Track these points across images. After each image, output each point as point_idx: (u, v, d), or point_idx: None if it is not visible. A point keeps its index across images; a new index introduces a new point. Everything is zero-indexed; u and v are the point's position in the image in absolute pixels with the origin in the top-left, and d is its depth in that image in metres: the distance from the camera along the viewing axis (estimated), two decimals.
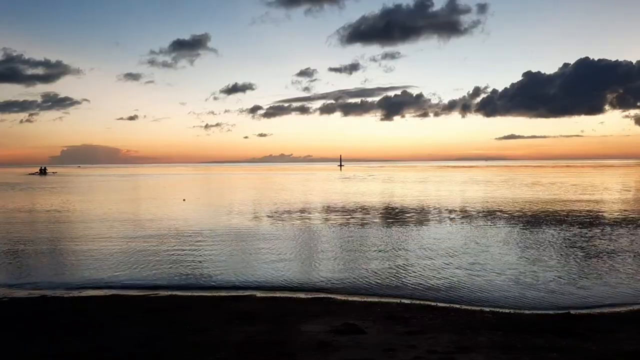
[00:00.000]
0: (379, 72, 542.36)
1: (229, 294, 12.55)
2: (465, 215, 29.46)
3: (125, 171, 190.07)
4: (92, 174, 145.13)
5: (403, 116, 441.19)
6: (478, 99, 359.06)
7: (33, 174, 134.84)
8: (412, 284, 13.50)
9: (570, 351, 7.78)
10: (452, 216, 28.96)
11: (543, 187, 56.65)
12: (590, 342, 8.27)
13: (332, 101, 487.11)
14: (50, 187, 68.94)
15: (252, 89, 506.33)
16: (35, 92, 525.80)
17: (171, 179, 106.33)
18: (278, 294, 12.59)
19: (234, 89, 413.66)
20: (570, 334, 8.77)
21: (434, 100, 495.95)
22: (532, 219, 27.02)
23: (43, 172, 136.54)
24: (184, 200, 44.02)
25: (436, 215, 29.73)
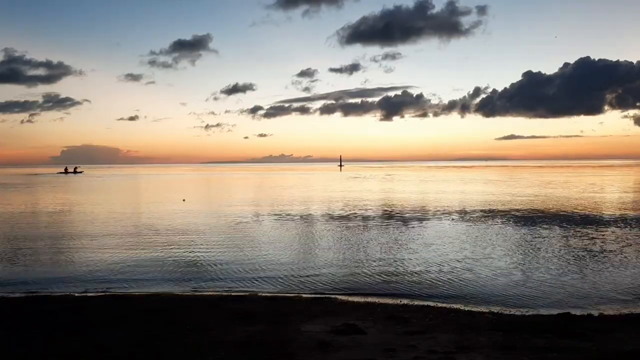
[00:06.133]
0: (379, 73, 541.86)
1: (229, 294, 12.54)
2: (468, 215, 29.46)
3: (128, 171, 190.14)
4: (96, 175, 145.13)
5: (402, 116, 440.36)
6: (478, 99, 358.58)
7: (60, 173, 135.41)
8: (412, 284, 13.51)
9: (570, 351, 7.78)
10: (454, 216, 28.95)
11: (557, 185, 56.69)
12: (590, 342, 8.27)
13: (333, 101, 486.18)
14: (53, 187, 69.00)
15: (253, 90, 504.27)
16: (36, 92, 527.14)
17: (171, 179, 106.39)
18: (278, 294, 12.59)
19: (234, 90, 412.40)
20: (570, 334, 8.77)
21: (434, 101, 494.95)
22: (536, 219, 27.01)
23: (73, 171, 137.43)
24: (184, 200, 44.04)
25: (439, 215, 29.72)
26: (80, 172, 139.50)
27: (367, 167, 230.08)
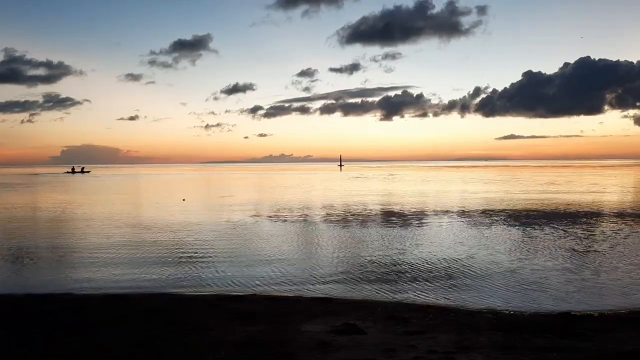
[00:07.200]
0: (380, 73, 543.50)
1: (229, 294, 12.55)
2: (470, 215, 29.45)
3: (128, 171, 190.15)
4: (97, 174, 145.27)
5: (402, 116, 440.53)
6: (478, 99, 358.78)
7: (68, 172, 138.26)
8: (412, 284, 13.50)
9: (570, 351, 7.78)
10: (456, 216, 28.95)
11: (559, 185, 56.66)
12: (590, 342, 8.27)
13: (333, 101, 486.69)
14: (53, 186, 69.00)
15: (253, 89, 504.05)
16: (36, 92, 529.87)
17: (171, 178, 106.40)
18: (278, 294, 12.59)
19: (234, 89, 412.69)
20: (570, 334, 8.77)
21: (434, 101, 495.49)
22: (537, 218, 26.99)
23: (80, 171, 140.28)
24: (183, 200, 44.04)
25: (441, 215, 29.72)
26: (87, 172, 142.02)
27: (367, 167, 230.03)
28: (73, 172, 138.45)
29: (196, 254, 17.94)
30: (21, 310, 10.92)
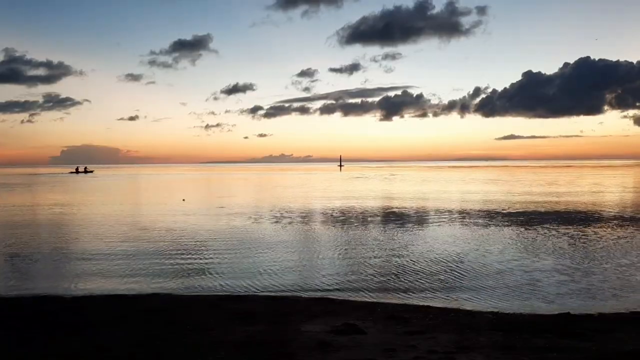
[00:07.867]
0: (380, 73, 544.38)
1: (229, 294, 12.55)
2: (470, 215, 29.45)
3: (128, 171, 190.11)
4: (99, 175, 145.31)
5: (402, 116, 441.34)
6: (478, 99, 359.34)
7: (72, 172, 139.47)
8: (412, 284, 13.50)
9: (570, 351, 7.78)
10: (456, 217, 28.94)
11: (560, 185, 56.64)
12: (590, 342, 8.27)
13: (333, 101, 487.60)
14: (52, 186, 69.01)
15: (253, 90, 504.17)
16: (36, 92, 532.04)
17: (171, 178, 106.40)
18: (278, 294, 12.59)
19: (234, 90, 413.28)
20: (570, 334, 8.76)
21: (434, 101, 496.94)
22: (537, 218, 26.99)
23: (84, 171, 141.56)
24: (183, 200, 44.03)
25: (441, 215, 29.71)
26: (91, 172, 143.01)
27: (367, 167, 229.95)
28: (77, 172, 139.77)
29: (196, 254, 17.94)
30: (21, 310, 10.91)
